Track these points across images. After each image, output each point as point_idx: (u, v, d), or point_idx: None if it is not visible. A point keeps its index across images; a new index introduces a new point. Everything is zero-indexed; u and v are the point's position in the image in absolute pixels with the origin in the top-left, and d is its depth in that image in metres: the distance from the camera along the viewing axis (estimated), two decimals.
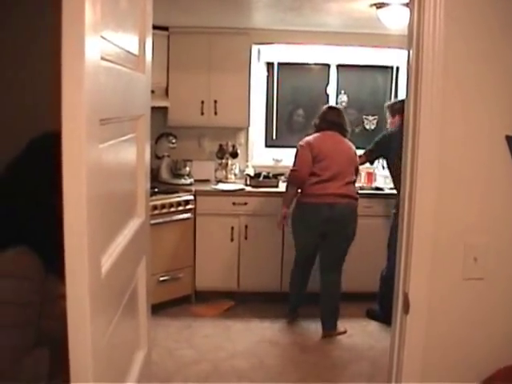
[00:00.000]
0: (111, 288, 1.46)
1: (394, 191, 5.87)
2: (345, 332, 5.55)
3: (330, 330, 5.52)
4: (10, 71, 2.35)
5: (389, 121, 5.92)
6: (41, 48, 2.23)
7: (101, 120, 1.26)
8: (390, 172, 5.84)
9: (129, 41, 1.73)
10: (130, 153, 1.82)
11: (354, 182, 5.59)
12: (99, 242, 1.31)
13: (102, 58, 1.28)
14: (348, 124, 5.65)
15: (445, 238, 2.26)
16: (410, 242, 2.25)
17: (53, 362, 1.83)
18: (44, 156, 1.90)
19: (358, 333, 5.58)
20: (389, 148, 5.53)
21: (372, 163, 6.18)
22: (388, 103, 6.13)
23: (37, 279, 1.80)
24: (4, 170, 1.90)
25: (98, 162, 1.26)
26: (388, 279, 5.05)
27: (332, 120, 5.50)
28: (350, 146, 5.53)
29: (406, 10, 4.67)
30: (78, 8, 1.11)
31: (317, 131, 5.51)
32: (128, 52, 1.70)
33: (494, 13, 2.17)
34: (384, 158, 5.92)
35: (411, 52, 2.25)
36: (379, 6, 4.85)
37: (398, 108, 5.33)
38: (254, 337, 5.46)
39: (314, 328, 5.64)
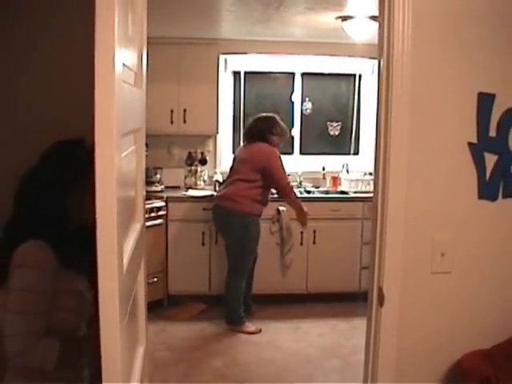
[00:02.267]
0: (128, 283, 1.64)
1: (359, 195, 6.13)
2: (257, 332, 5.77)
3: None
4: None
5: None
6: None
7: (122, 134, 1.44)
8: None
9: (131, 58, 1.90)
10: (132, 163, 1.98)
11: None
12: (121, 242, 1.48)
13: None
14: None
15: (414, 236, 2.46)
16: (383, 240, 2.44)
17: (61, 352, 1.98)
18: (60, 161, 2.09)
19: (328, 332, 5.79)
20: None
21: None
22: None
23: (48, 270, 1.98)
24: (24, 174, 2.08)
25: (120, 171, 1.43)
26: None
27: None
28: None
29: (370, 22, 4.96)
30: (109, 29, 1.29)
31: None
32: (129, 69, 1.87)
33: (459, 26, 2.39)
34: None
35: (382, 61, 2.43)
36: (344, 18, 5.08)
37: None
38: (228, 337, 5.64)
39: (286, 328, 5.87)
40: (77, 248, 2.13)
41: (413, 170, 2.42)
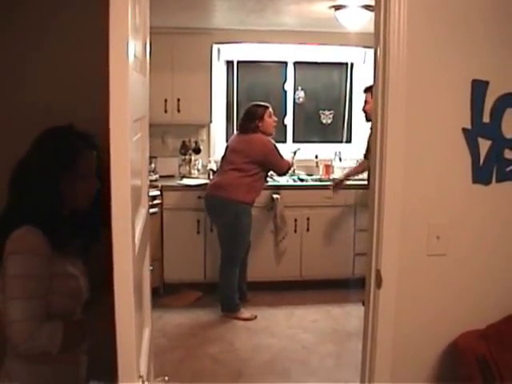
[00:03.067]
0: (138, 265, 1.70)
1: (352, 182, 6.19)
2: (252, 318, 5.85)
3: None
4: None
5: (368, 105, 5.52)
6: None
7: (134, 121, 1.50)
8: None
9: (137, 47, 1.95)
10: (139, 150, 2.04)
11: None
12: (134, 224, 1.54)
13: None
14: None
15: (411, 220, 2.53)
16: (381, 224, 2.51)
17: (64, 336, 2.03)
18: (51, 147, 2.13)
19: (323, 317, 5.86)
20: None
21: None
22: (371, 85, 5.74)
23: (44, 255, 2.02)
24: (17, 164, 2.12)
25: (131, 157, 1.49)
26: None
27: None
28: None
29: (363, 11, 5.02)
30: (123, 19, 1.34)
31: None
32: (136, 57, 1.92)
33: (453, 13, 2.46)
34: None
35: (378, 50, 2.49)
36: (337, 7, 5.13)
37: None
38: (223, 324, 5.72)
39: (281, 314, 5.95)
40: (70, 233, 2.19)
41: (409, 155, 2.48)
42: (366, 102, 5.63)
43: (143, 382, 1.55)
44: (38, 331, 1.96)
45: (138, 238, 1.74)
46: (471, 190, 2.56)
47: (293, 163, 6.20)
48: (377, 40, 2.50)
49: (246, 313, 5.87)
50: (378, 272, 2.55)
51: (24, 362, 2.08)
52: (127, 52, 1.35)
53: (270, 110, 5.90)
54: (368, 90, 5.53)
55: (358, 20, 5.11)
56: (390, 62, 2.42)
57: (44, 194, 2.07)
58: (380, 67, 2.48)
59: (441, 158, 2.54)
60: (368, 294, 2.65)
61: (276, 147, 5.79)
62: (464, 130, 2.51)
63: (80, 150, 2.15)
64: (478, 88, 2.49)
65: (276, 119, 5.97)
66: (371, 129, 5.23)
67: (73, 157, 2.12)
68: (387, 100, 2.45)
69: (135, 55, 1.80)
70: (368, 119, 5.59)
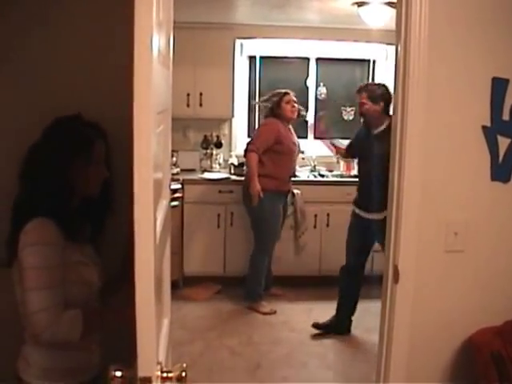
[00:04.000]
0: (159, 253, 1.74)
1: None
2: (271, 313, 5.90)
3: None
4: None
5: (366, 106, 5.07)
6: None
7: (158, 113, 1.53)
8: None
9: (161, 40, 1.99)
10: (161, 141, 2.07)
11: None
12: (156, 214, 1.58)
13: None
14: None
15: (429, 216, 2.56)
16: (399, 219, 2.54)
17: (84, 323, 2.07)
18: (61, 136, 2.17)
19: None
20: (364, 148, 5.24)
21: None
22: (364, 84, 5.43)
23: (58, 245, 2.06)
24: (27, 153, 2.16)
25: (154, 149, 1.52)
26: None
27: None
28: None
29: (385, 8, 5.02)
30: (148, 14, 1.38)
31: None
32: (160, 51, 1.95)
33: (474, 12, 2.47)
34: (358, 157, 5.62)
35: (399, 47, 2.52)
36: (360, 4, 5.14)
37: (383, 94, 4.99)
38: (243, 317, 5.77)
39: (300, 309, 5.99)
40: (81, 221, 2.23)
41: (428, 152, 2.51)
42: (362, 103, 5.09)
43: (162, 368, 1.58)
44: (59, 320, 2.00)
45: (159, 229, 1.78)
46: (490, 187, 2.58)
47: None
48: (398, 37, 2.52)
49: (266, 307, 5.92)
50: (395, 267, 2.57)
51: (41, 349, 2.13)
52: (151, 46, 1.39)
53: (289, 96, 5.92)
54: (362, 89, 5.15)
55: (381, 17, 5.12)
56: (410, 59, 2.44)
57: (55, 183, 2.10)
58: (401, 64, 2.50)
59: (460, 155, 2.55)
60: (385, 289, 2.68)
61: (273, 131, 5.82)
62: (483, 127, 2.53)
63: (91, 138, 2.18)
64: (498, 86, 2.50)
65: (295, 105, 5.96)
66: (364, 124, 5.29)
67: (85, 145, 2.15)
68: (407, 96, 2.47)
69: (159, 49, 1.84)
70: (365, 120, 5.27)
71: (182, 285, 6.42)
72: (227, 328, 5.48)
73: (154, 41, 1.42)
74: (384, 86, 5.07)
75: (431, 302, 2.63)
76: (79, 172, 2.15)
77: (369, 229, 5.04)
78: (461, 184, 2.57)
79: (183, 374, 1.65)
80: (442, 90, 2.49)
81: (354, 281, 5.43)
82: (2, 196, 2.21)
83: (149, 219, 1.45)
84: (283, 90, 5.96)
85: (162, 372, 1.59)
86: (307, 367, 4.76)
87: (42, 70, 2.46)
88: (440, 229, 2.57)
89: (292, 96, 5.95)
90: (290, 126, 6.05)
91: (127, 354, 1.54)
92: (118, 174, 2.25)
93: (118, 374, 1.56)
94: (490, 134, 2.53)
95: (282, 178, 5.93)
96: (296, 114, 5.99)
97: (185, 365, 1.68)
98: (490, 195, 2.59)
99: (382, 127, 4.89)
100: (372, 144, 4.95)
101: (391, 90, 4.76)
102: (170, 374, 1.61)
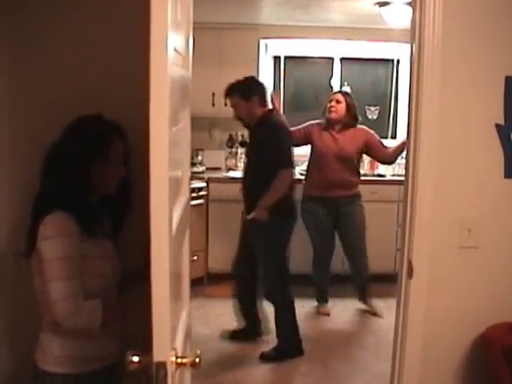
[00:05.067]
0: (176, 247, 1.81)
1: (396, 178, 6.23)
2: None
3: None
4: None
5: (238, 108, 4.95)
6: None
7: (174, 112, 1.61)
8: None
9: (179, 41, 2.06)
10: (179, 139, 2.15)
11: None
12: (172, 208, 1.65)
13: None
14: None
15: (443, 212, 2.61)
16: (414, 215, 2.59)
17: (104, 313, 2.15)
18: (82, 134, 2.25)
19: (364, 311, 6.04)
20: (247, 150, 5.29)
21: None
22: (229, 86, 5.12)
23: (75, 236, 2.14)
24: (48, 151, 2.24)
25: (169, 147, 1.60)
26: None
27: None
28: None
29: (407, 8, 5.05)
30: (163, 16, 1.45)
31: None
32: (178, 52, 2.03)
33: (488, 11, 2.52)
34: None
35: (414, 46, 2.57)
36: (382, 4, 5.19)
37: (252, 87, 4.87)
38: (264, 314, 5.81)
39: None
40: (98, 217, 2.31)
41: (442, 149, 2.56)
42: (232, 105, 5.04)
43: (176, 353, 1.66)
44: (80, 308, 2.08)
45: (176, 224, 1.85)
46: (503, 184, 2.62)
47: None
48: (412, 36, 2.58)
49: (324, 309, 6.03)
50: (409, 262, 2.62)
51: (56, 337, 2.22)
52: (166, 46, 1.46)
53: (333, 94, 5.76)
54: (230, 93, 5.02)
55: (402, 16, 5.15)
56: (424, 58, 2.50)
57: (75, 179, 2.18)
58: (415, 63, 2.56)
59: (473, 152, 2.60)
60: (400, 284, 2.73)
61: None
62: (497, 125, 2.57)
63: (111, 138, 2.26)
64: (511, 85, 2.54)
65: (334, 105, 5.60)
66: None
67: (104, 145, 2.22)
68: (422, 95, 2.52)
69: (176, 50, 1.91)
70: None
71: (207, 282, 6.50)
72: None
73: (169, 41, 1.49)
74: (250, 78, 4.96)
75: (445, 297, 2.67)
76: (97, 170, 2.22)
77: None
78: (474, 181, 2.61)
79: (197, 360, 1.72)
80: (455, 89, 2.54)
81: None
82: (27, 192, 2.30)
83: (163, 213, 1.52)
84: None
85: (177, 358, 1.66)
86: (327, 362, 4.85)
87: (64, 71, 2.53)
88: (454, 225, 2.62)
89: (336, 94, 5.66)
90: (339, 129, 5.65)
91: (143, 343, 1.61)
92: (137, 173, 2.32)
93: (135, 358, 1.63)
94: (504, 132, 2.57)
95: (312, 183, 5.79)
96: (334, 114, 5.55)
97: (199, 351, 1.75)
98: (504, 192, 2.63)
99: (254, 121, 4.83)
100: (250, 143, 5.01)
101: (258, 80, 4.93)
102: (184, 360, 1.68)
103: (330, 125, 5.61)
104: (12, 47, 2.49)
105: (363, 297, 6.02)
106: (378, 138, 5.76)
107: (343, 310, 6.03)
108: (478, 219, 2.62)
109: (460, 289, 2.68)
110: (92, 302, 2.14)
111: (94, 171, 2.22)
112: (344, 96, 5.54)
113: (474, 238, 2.63)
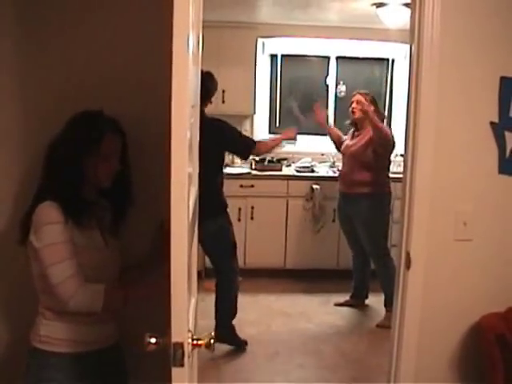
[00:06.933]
0: (190, 230, 1.91)
1: (391, 175, 6.30)
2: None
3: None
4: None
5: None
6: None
7: (192, 106, 1.71)
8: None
9: (192, 39, 2.14)
10: (191, 135, 2.24)
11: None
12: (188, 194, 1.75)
13: None
14: None
15: (439, 206, 2.72)
16: (411, 208, 2.70)
17: (106, 296, 2.22)
18: (73, 129, 2.32)
19: (359, 306, 6.08)
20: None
21: None
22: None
23: (66, 223, 2.21)
24: (48, 145, 2.32)
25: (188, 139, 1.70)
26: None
27: None
28: None
29: (404, 9, 5.15)
30: (185, 15, 1.54)
31: None
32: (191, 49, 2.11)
33: (484, 14, 2.64)
34: None
35: (413, 46, 2.68)
36: (379, 5, 5.28)
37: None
38: (262, 308, 5.95)
39: (318, 301, 6.16)
40: (91, 208, 2.37)
41: (439, 146, 2.67)
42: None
43: (192, 335, 1.75)
44: (84, 289, 2.17)
45: (190, 215, 1.94)
46: (497, 179, 2.74)
47: None
48: (412, 37, 2.68)
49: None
50: (407, 254, 2.73)
51: (54, 320, 2.29)
52: (188, 45, 1.56)
53: (355, 96, 5.71)
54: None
55: (399, 17, 5.25)
56: (423, 58, 2.61)
57: (67, 171, 2.26)
58: (414, 63, 2.66)
59: (469, 149, 2.71)
60: (398, 274, 2.83)
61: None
62: (492, 123, 2.69)
63: (102, 132, 2.32)
64: (506, 84, 2.65)
65: (355, 105, 5.62)
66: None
67: (95, 138, 2.29)
68: (420, 93, 2.63)
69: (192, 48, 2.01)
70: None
71: (204, 276, 6.55)
72: (246, 318, 5.59)
73: (189, 41, 1.59)
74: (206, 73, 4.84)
75: (441, 287, 2.78)
76: (88, 162, 2.29)
77: None
78: (470, 176, 2.73)
79: (211, 341, 1.82)
80: (453, 88, 2.66)
81: None
82: (33, 184, 2.36)
83: (183, 205, 1.60)
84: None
85: (193, 339, 1.76)
86: (322, 354, 4.96)
87: (71, 68, 2.58)
88: (450, 218, 2.73)
89: (358, 95, 5.64)
90: (360, 127, 5.66)
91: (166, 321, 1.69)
92: (139, 169, 2.44)
93: (153, 340, 1.72)
94: (498, 130, 2.68)
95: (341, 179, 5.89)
96: (357, 114, 5.55)
97: (213, 333, 1.85)
98: (498, 187, 2.75)
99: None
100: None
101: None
102: (199, 341, 1.78)
103: (355, 125, 5.71)
104: (24, 49, 2.55)
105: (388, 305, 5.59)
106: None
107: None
108: (473, 213, 2.74)
109: (455, 280, 2.79)
110: (96, 285, 2.22)
111: (86, 164, 2.29)
112: (363, 96, 5.58)
113: (469, 231, 2.74)
